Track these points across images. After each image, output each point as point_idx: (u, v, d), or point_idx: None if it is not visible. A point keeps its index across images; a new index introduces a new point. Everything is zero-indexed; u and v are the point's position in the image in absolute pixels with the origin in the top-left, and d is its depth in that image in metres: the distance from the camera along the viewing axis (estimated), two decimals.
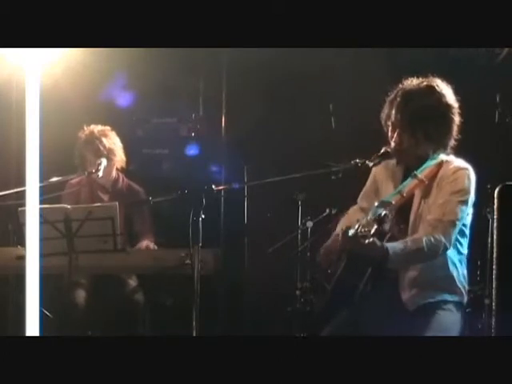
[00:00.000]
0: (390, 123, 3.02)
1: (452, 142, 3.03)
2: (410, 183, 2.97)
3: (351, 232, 2.72)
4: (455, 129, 3.01)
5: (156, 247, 4.42)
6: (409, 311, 2.93)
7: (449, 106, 2.97)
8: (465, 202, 2.92)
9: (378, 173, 3.18)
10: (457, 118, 3.00)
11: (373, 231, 2.68)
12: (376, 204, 2.92)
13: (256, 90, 5.48)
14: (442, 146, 3.01)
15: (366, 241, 2.68)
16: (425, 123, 2.94)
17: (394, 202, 2.87)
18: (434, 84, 2.99)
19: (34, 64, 1.84)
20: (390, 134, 3.03)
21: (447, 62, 4.76)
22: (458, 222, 2.90)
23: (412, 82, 3.01)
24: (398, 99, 2.98)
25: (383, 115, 3.06)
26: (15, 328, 4.50)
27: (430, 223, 2.89)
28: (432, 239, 2.83)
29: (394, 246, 2.80)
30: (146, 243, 4.41)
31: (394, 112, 2.98)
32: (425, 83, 2.99)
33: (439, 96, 2.96)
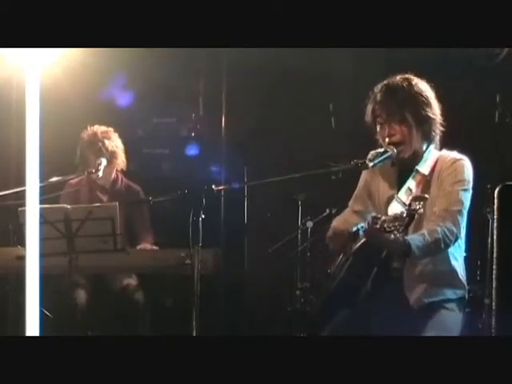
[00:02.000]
0: (377, 121, 3.06)
1: (440, 130, 3.08)
2: (414, 179, 3.02)
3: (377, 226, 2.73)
4: (439, 115, 3.07)
5: (156, 248, 4.41)
6: (413, 310, 2.94)
7: (429, 92, 3.06)
8: (467, 191, 3.00)
9: (370, 175, 3.19)
10: (438, 105, 3.08)
11: (403, 227, 2.68)
12: (394, 201, 2.96)
13: (256, 90, 5.49)
14: (432, 135, 3.06)
15: (392, 236, 2.70)
16: (412, 108, 3.00)
17: (408, 198, 2.89)
18: (409, 76, 3.08)
19: (33, 64, 1.84)
20: (380, 132, 3.06)
21: (447, 62, 4.77)
22: (464, 211, 2.97)
23: (388, 79, 3.09)
24: (381, 94, 3.05)
25: (368, 115, 3.10)
26: (15, 328, 4.49)
27: (439, 214, 2.93)
28: (446, 230, 2.88)
29: (414, 240, 2.82)
30: (146, 246, 4.41)
31: (379, 108, 3.05)
32: (400, 77, 3.08)
33: (417, 85, 3.05)
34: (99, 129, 4.55)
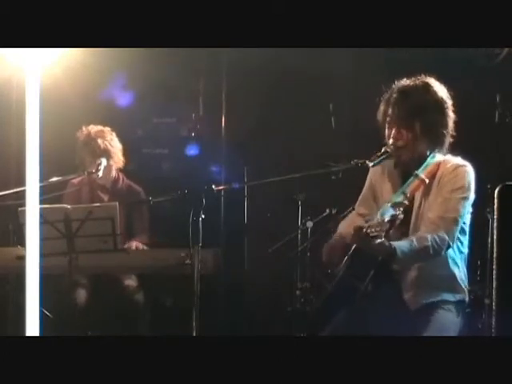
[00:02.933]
0: (387, 121, 3.03)
1: (448, 140, 3.04)
2: (412, 183, 2.99)
3: (363, 231, 2.74)
4: (451, 125, 3.04)
5: (145, 247, 4.41)
6: (411, 311, 2.93)
7: (444, 102, 3.01)
8: (466, 199, 2.95)
9: (375, 177, 3.18)
10: (452, 115, 3.04)
11: (385, 232, 2.69)
12: (385, 205, 2.95)
13: (256, 90, 5.49)
14: (439, 143, 3.02)
15: (377, 241, 2.70)
16: (422, 117, 2.96)
17: (402, 202, 2.89)
18: (429, 81, 3.03)
19: (33, 64, 1.84)
20: (387, 131, 3.04)
21: (447, 62, 4.77)
22: (459, 219, 2.93)
23: (407, 81, 3.04)
24: (395, 96, 3.00)
25: (379, 114, 3.07)
26: (15, 328, 4.49)
27: (433, 221, 2.90)
28: (437, 237, 2.86)
29: (400, 245, 2.81)
30: (136, 244, 4.40)
31: (391, 109, 3.01)
32: (420, 80, 3.03)
33: (434, 92, 3.00)
34: (93, 128, 4.54)
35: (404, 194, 2.96)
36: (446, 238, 2.88)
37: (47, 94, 2.08)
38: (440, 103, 2.99)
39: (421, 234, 2.89)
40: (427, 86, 3.00)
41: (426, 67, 3.13)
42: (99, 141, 4.46)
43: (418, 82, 3.02)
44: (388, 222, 2.71)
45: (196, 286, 3.29)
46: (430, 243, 2.84)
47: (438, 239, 2.86)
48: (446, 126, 3.01)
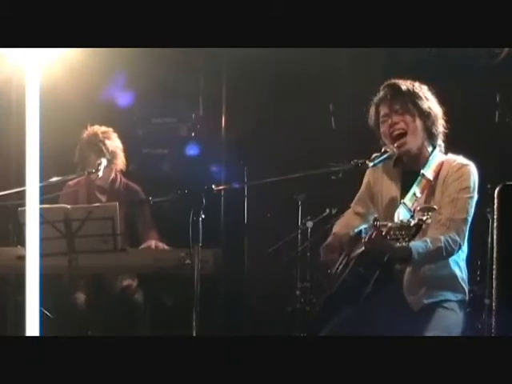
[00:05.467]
0: (380, 116, 3.07)
1: (443, 133, 3.06)
2: (420, 184, 3.00)
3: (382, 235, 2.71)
4: (442, 117, 3.07)
5: (165, 245, 4.39)
6: (413, 311, 2.94)
7: (430, 96, 3.07)
8: (472, 199, 2.97)
9: (373, 176, 3.19)
10: (439, 108, 3.08)
11: (411, 236, 2.65)
12: (401, 207, 2.96)
13: (256, 89, 5.49)
14: (433, 135, 3.05)
15: (398, 244, 2.68)
16: (415, 100, 3.01)
17: (412, 205, 2.90)
18: (416, 81, 3.10)
19: (33, 64, 1.84)
20: (381, 128, 3.05)
21: (447, 62, 4.77)
22: (468, 219, 2.95)
23: (394, 80, 3.10)
24: (385, 89, 3.07)
25: (371, 116, 3.11)
26: (15, 328, 4.49)
27: (443, 223, 2.91)
28: (449, 239, 2.87)
29: (416, 247, 2.81)
30: (155, 242, 4.39)
31: (382, 104, 3.06)
32: (408, 80, 3.09)
33: (421, 86, 3.07)
34: (99, 129, 4.53)
35: (415, 195, 2.97)
36: (458, 239, 2.90)
37: (47, 94, 2.07)
38: (427, 94, 3.05)
39: (433, 235, 2.88)
40: (411, 81, 3.07)
41: (426, 67, 3.14)
42: (107, 142, 4.45)
43: (405, 79, 3.08)
44: (414, 225, 2.65)
45: (196, 286, 3.29)
46: (443, 244, 2.85)
47: (450, 241, 2.87)
48: (437, 112, 3.05)
